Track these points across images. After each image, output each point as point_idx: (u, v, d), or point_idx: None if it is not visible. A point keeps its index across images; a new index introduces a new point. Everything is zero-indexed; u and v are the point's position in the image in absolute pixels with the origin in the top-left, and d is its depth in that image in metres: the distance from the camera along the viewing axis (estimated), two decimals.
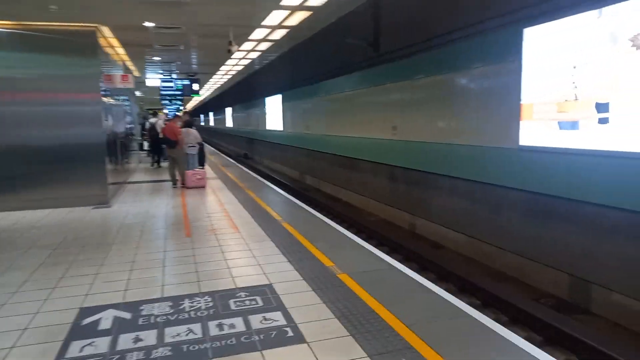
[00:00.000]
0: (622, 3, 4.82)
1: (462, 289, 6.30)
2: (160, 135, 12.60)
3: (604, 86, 5.08)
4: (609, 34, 4.99)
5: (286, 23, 9.21)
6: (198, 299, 3.83)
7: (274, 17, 8.59)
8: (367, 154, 11.55)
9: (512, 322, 5.32)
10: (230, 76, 23.38)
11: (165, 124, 12.91)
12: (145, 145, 17.84)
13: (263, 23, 9.35)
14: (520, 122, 6.36)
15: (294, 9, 7.77)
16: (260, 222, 6.78)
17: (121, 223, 7.02)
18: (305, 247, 5.39)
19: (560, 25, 5.63)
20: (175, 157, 11.02)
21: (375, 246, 7.95)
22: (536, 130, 6.09)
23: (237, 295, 3.90)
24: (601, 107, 5.15)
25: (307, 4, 7.32)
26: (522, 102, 6.31)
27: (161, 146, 13.70)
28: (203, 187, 10.66)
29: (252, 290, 4.00)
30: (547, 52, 5.87)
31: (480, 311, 3.60)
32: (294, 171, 18.84)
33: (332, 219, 8.14)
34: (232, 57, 15.34)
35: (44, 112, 8.13)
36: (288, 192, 10.65)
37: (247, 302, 3.73)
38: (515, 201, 6.72)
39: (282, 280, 4.28)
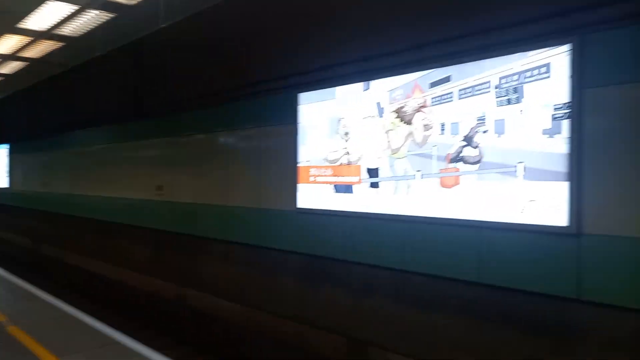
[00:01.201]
0: (386, 79, 5.28)
1: None
2: None
3: (374, 153, 5.38)
4: (376, 105, 5.38)
5: (24, 53, 7.16)
6: None
7: (6, 43, 6.53)
8: (126, 217, 9.95)
9: None
10: None
11: None
12: None
13: None
14: (298, 185, 6.29)
15: (37, 37, 5.99)
16: None
17: None
18: None
19: (334, 92, 5.87)
20: None
21: (140, 329, 6.53)
22: (313, 192, 6.08)
23: None
24: (372, 172, 5.42)
25: (59, 32, 5.74)
26: (299, 165, 6.28)
27: None
28: None
29: None
30: (322, 117, 6.02)
31: None
32: (25, 239, 15.04)
33: (81, 303, 6.30)
34: None
35: None
36: (17, 272, 8.03)
37: None
38: (293, 265, 6.50)
39: None
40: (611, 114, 3.66)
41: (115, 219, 10.35)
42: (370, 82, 5.45)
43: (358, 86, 5.60)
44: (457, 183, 4.54)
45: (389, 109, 5.24)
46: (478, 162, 4.38)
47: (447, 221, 4.61)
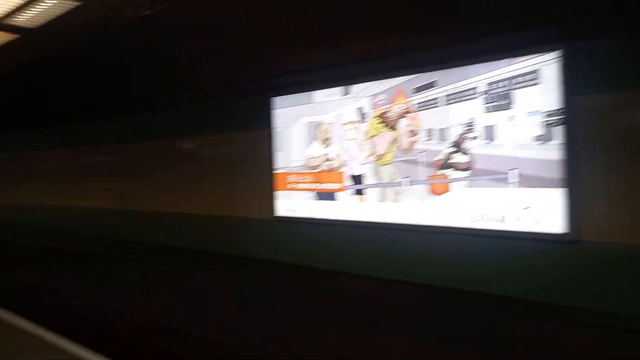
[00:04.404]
0: (368, 83, 5.15)
1: None
2: None
3: (358, 159, 5.25)
4: (358, 110, 5.25)
5: None
6: None
7: None
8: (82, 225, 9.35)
9: None
10: None
11: None
12: None
13: None
14: (276, 192, 6.06)
15: None
16: None
17: None
18: None
19: (312, 96, 5.69)
20: None
21: None
22: (293, 200, 5.87)
23: None
24: (356, 179, 5.28)
25: (11, 22, 4.93)
26: (276, 172, 6.05)
27: None
28: None
29: None
30: (299, 122, 5.82)
31: None
32: None
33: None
34: None
35: None
36: None
37: None
38: (272, 273, 6.25)
39: None
40: (603, 120, 3.69)
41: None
42: (350, 87, 5.31)
43: (337, 91, 5.44)
44: (447, 190, 4.47)
45: (372, 114, 5.12)
46: (468, 169, 4.33)
47: (438, 229, 4.53)
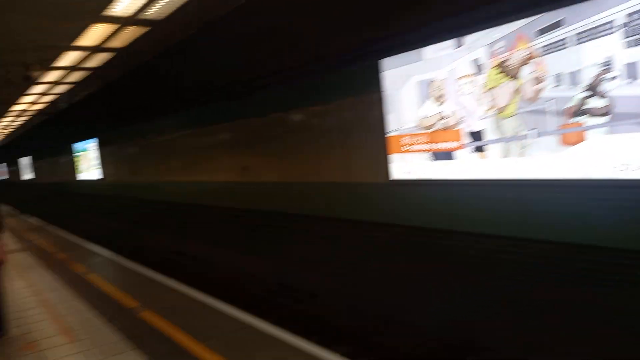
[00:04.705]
0: (482, 32, 4.83)
1: None
2: None
3: (476, 114, 5.02)
4: (473, 62, 4.98)
5: (111, 44, 7.00)
6: None
7: (93, 34, 6.36)
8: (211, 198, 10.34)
9: None
10: (27, 118, 19.23)
11: None
12: None
13: (75, 43, 6.92)
14: (389, 156, 6.07)
15: (124, 23, 5.72)
16: (107, 316, 4.17)
17: None
18: (197, 357, 3.18)
19: (421, 53, 5.51)
20: None
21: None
22: (408, 162, 5.84)
23: None
24: (475, 136, 5.07)
25: (144, 16, 5.39)
26: (389, 135, 6.04)
27: None
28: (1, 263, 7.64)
29: None
30: (410, 81, 5.70)
31: None
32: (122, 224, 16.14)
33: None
34: (28, 92, 12.29)
35: None
36: (130, 258, 8.24)
37: None
38: (389, 236, 6.36)
39: None
40: None
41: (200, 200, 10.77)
42: (463, 38, 5.03)
43: (449, 44, 5.20)
44: (581, 139, 4.10)
45: (489, 64, 4.82)
46: (607, 113, 3.91)
47: (573, 182, 4.20)
